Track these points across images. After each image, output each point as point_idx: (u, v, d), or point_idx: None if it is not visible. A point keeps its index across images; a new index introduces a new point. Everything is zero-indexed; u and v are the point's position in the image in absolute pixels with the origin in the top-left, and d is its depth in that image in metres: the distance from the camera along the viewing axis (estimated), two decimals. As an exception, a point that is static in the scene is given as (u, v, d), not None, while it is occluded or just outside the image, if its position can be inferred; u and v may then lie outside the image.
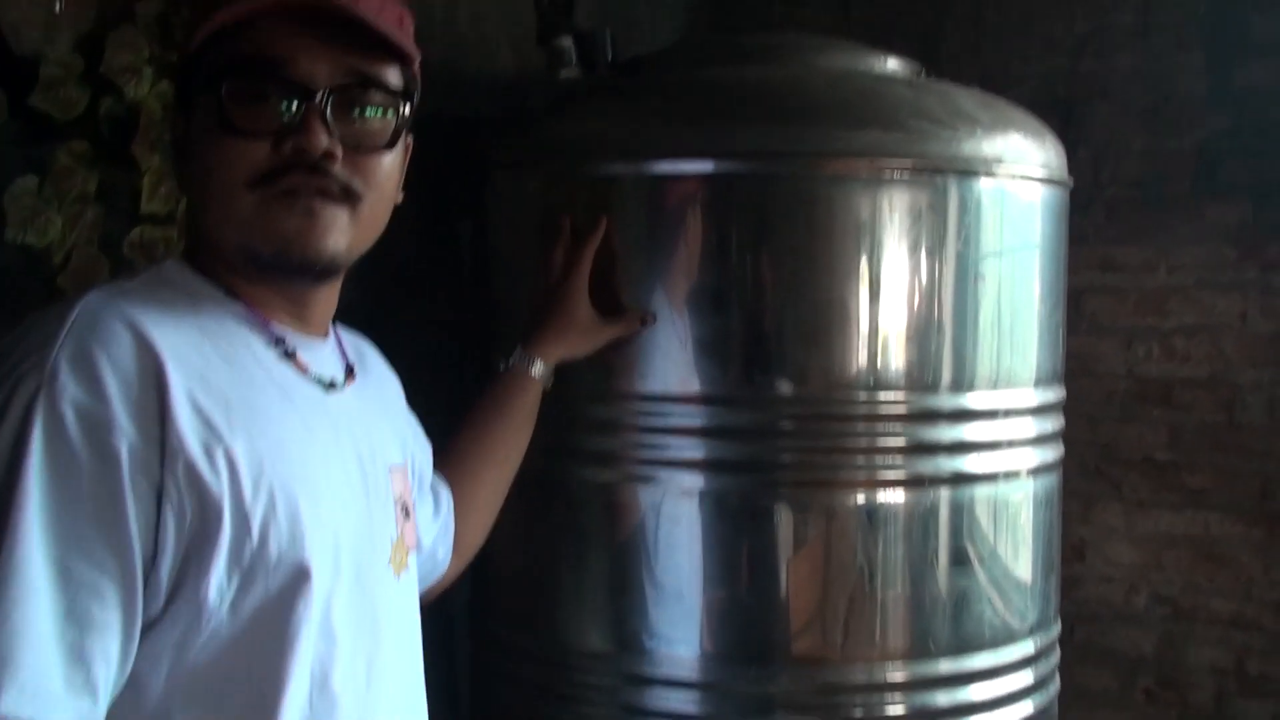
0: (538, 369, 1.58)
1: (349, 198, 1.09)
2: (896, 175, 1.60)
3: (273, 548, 1.02)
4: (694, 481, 1.64)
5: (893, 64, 1.80)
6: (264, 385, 1.09)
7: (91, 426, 0.96)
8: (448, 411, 1.57)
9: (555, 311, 1.61)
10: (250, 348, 1.10)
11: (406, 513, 1.26)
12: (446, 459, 1.51)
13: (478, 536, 1.57)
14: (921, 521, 1.66)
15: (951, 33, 2.40)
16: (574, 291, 1.61)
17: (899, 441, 1.65)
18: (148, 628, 0.99)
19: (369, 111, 1.11)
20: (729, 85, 1.67)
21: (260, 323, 1.12)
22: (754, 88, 1.66)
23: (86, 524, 0.95)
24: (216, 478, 1.00)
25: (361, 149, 1.10)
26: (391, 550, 1.21)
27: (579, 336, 1.61)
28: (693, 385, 1.63)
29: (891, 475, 1.65)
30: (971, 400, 1.67)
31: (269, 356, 1.12)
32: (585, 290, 1.62)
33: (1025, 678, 1.77)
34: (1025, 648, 1.76)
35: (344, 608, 1.10)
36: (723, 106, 1.63)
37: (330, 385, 1.17)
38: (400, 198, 1.20)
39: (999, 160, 1.65)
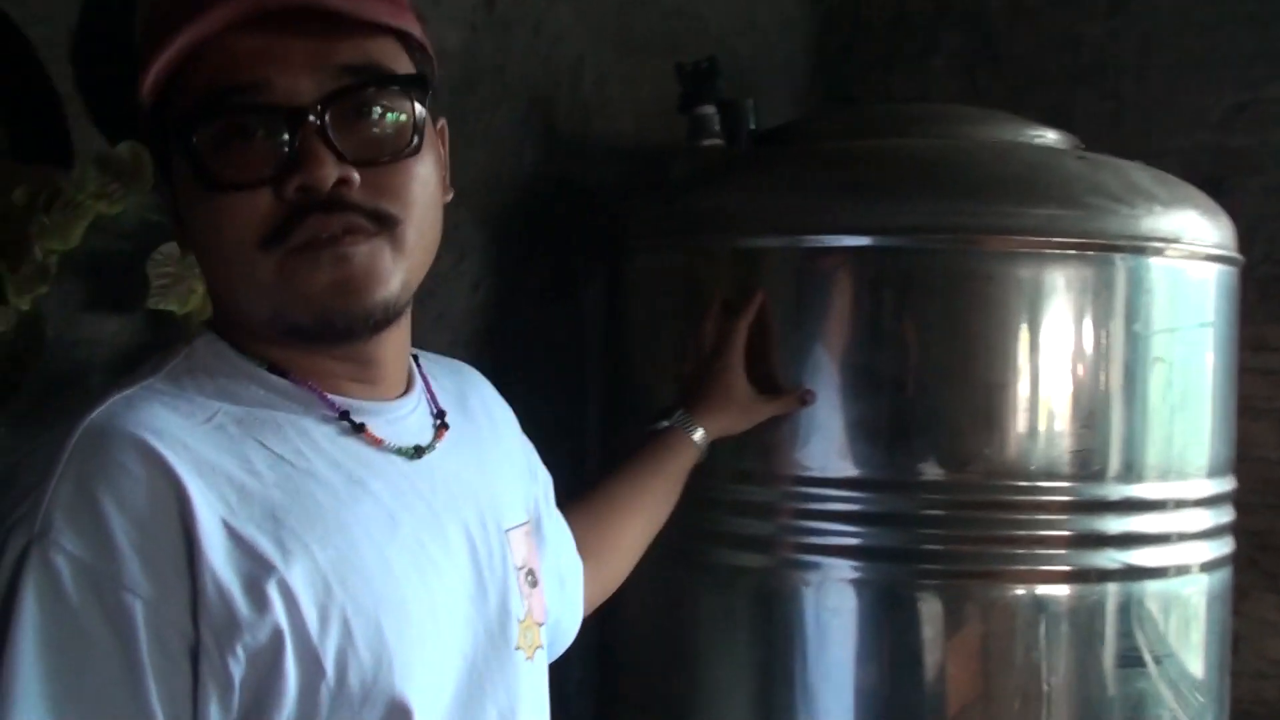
0: (698, 435, 1.51)
1: (384, 224, 0.89)
2: (1068, 252, 1.53)
3: (354, 684, 0.85)
4: (850, 569, 1.55)
5: (1053, 136, 1.73)
6: (326, 478, 0.90)
7: (95, 585, 0.79)
8: (568, 478, 1.49)
9: (712, 387, 1.54)
10: (306, 433, 0.92)
11: (534, 580, 1.09)
12: (592, 501, 1.41)
13: (609, 585, 1.43)
14: (1087, 617, 1.56)
15: (1086, 103, 2.32)
16: (730, 368, 1.54)
17: (1064, 533, 1.56)
18: None
19: (379, 113, 0.90)
20: (890, 157, 1.61)
21: (315, 398, 0.93)
22: (917, 160, 1.59)
23: (98, 708, 0.79)
24: (270, 618, 0.82)
25: (382, 161, 0.90)
26: (520, 632, 1.03)
27: (738, 413, 1.54)
28: (848, 469, 1.55)
29: (1056, 568, 1.56)
30: (1141, 490, 1.58)
31: (329, 436, 0.93)
32: (742, 366, 1.55)
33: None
34: (1200, 753, 1.66)
35: None
36: (886, 179, 1.57)
37: (416, 451, 0.98)
38: (450, 195, 1.01)
39: (1176, 238, 1.57)
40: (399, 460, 0.96)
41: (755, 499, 1.60)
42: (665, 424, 1.52)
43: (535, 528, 1.18)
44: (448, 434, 1.03)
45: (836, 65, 2.65)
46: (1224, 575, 1.71)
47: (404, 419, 0.99)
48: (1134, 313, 1.57)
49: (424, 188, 0.93)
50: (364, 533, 0.89)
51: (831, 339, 1.57)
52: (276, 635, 0.83)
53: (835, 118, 1.88)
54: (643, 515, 1.45)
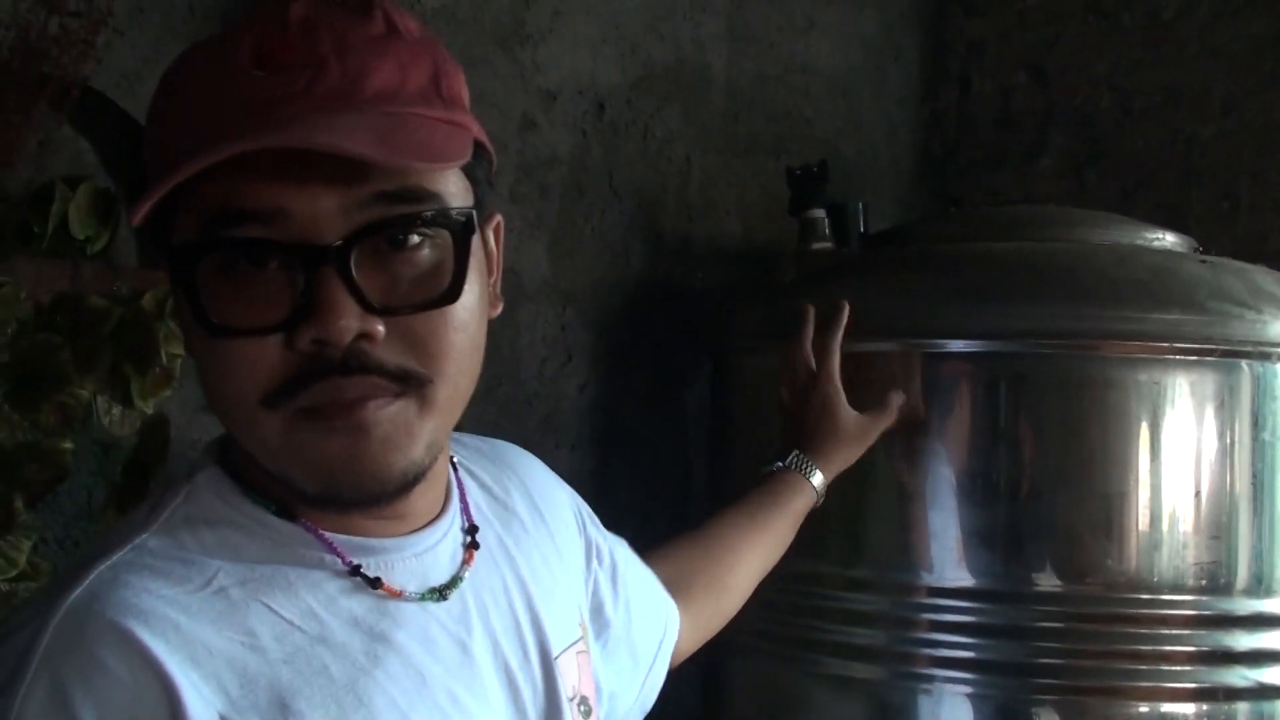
0: (817, 479, 1.42)
1: (410, 383, 0.76)
2: (1190, 358, 1.49)
3: None
4: (965, 682, 1.51)
5: (1171, 239, 1.70)
6: (341, 643, 0.79)
7: None
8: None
9: (820, 422, 1.46)
10: (319, 586, 0.80)
11: (588, 709, 0.97)
12: (706, 535, 1.34)
13: (714, 624, 1.31)
14: (1217, 739, 1.50)
15: (1199, 204, 2.29)
16: (831, 396, 1.47)
17: (1190, 649, 1.51)
18: None
19: (415, 246, 0.76)
20: (1006, 260, 1.59)
21: (325, 546, 0.81)
22: (1034, 263, 1.57)
23: None
24: None
25: (412, 307, 0.75)
26: None
27: (850, 443, 1.46)
28: (963, 578, 1.52)
29: (1182, 685, 1.50)
30: (1272, 605, 1.52)
31: (345, 590, 0.81)
32: (842, 393, 1.47)
33: None
34: None
35: None
36: (1002, 283, 1.55)
37: (440, 595, 0.85)
38: (500, 308, 0.87)
39: (1304, 343, 1.53)
40: (422, 604, 0.84)
41: (867, 608, 1.56)
42: (780, 465, 1.43)
43: (595, 616, 1.08)
44: (479, 553, 0.91)
45: (942, 166, 2.65)
46: (1362, 696, 1.62)
47: (433, 549, 0.87)
48: (1261, 420, 1.52)
49: (463, 334, 0.78)
50: (387, 702, 0.78)
51: (945, 445, 1.54)
52: None
53: (947, 220, 1.86)
54: (757, 554, 1.35)
